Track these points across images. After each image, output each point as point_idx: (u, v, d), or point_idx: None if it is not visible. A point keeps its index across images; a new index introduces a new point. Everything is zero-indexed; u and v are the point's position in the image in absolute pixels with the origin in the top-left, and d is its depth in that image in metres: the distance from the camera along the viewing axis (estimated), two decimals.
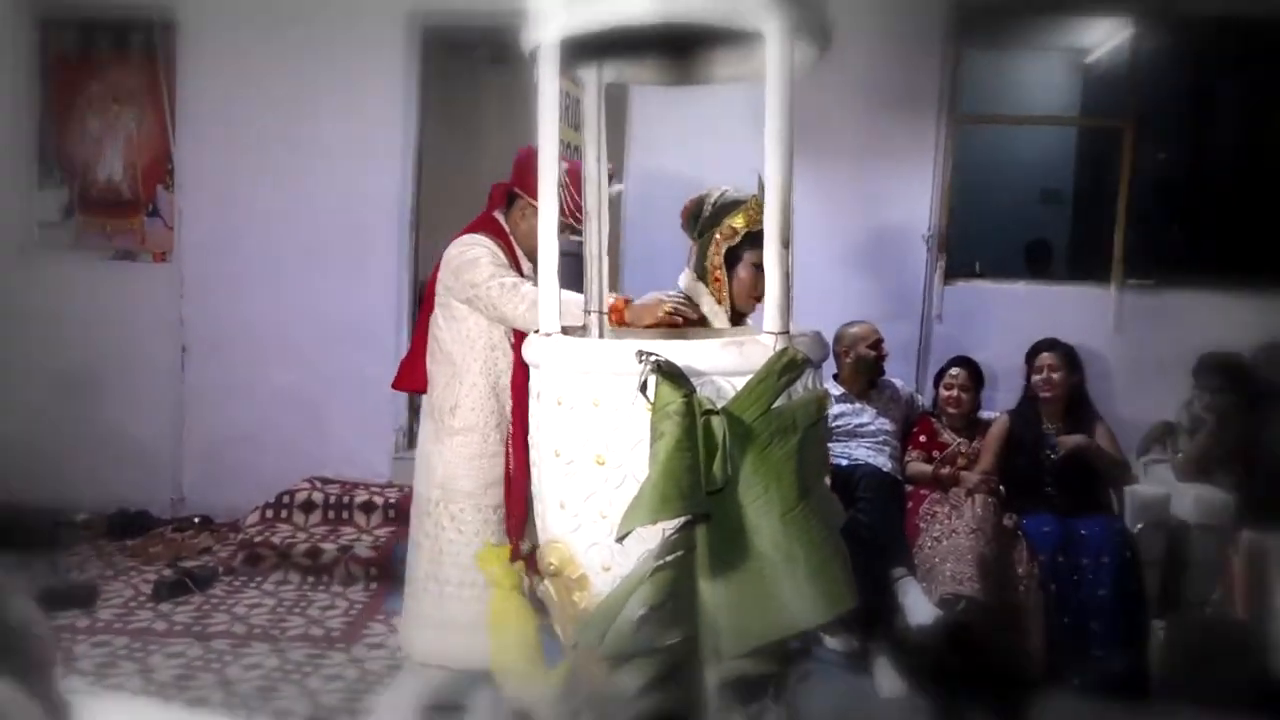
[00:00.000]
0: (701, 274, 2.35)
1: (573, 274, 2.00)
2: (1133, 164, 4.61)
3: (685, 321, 2.24)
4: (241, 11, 4.75)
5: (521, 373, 2.22)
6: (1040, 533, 3.58)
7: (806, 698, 1.45)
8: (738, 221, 2.27)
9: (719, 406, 1.39)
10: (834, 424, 3.84)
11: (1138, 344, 4.49)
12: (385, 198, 4.80)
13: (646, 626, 1.36)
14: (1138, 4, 4.63)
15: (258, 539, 4.37)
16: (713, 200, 2.35)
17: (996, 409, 4.09)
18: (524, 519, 2.19)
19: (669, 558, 1.38)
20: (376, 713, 2.77)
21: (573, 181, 2.47)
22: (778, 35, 1.40)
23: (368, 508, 4.58)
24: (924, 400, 4.24)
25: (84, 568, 4.32)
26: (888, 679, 3.34)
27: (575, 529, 1.49)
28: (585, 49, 1.63)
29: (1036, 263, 6.22)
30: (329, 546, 4.30)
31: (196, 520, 4.81)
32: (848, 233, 4.59)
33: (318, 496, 4.63)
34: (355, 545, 4.32)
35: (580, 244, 2.17)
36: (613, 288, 2.08)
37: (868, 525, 3.44)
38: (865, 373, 3.99)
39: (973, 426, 4.00)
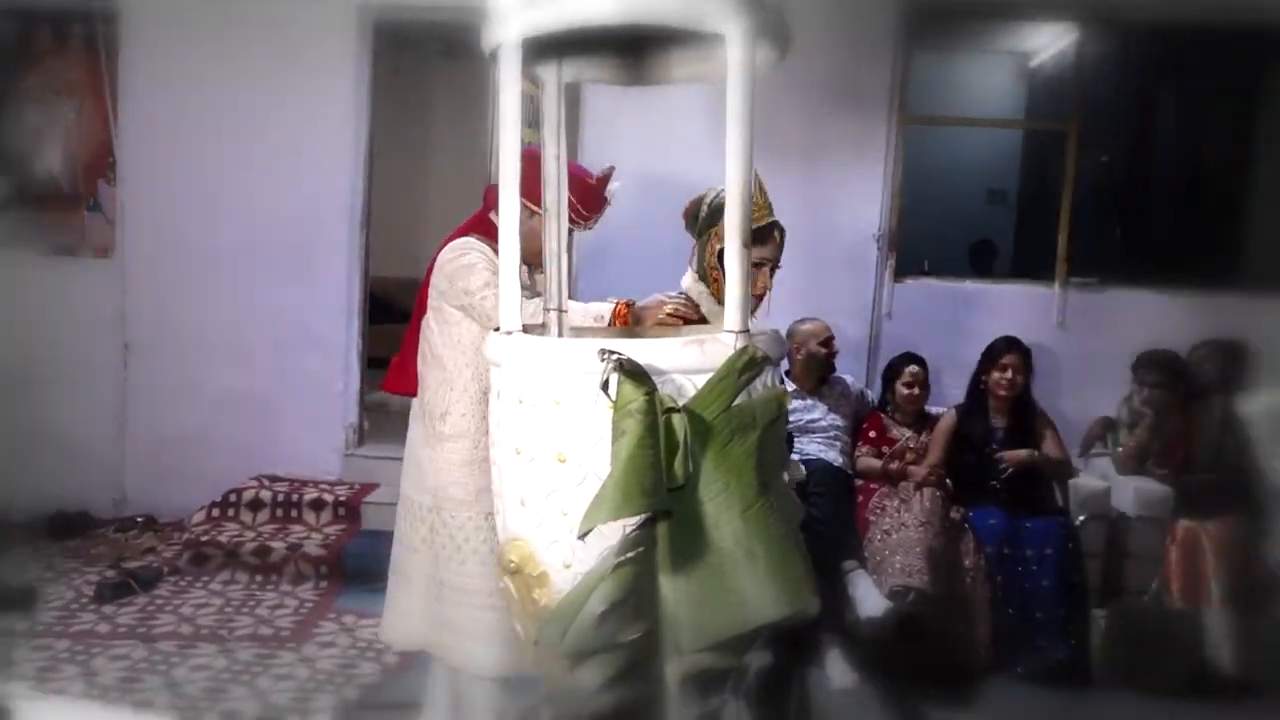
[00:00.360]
0: (702, 274, 2.34)
1: None
2: (1076, 166, 4.73)
3: (686, 322, 2.21)
4: (186, 2, 4.66)
5: None
6: (986, 525, 3.67)
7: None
8: None
9: (680, 404, 1.40)
10: None
11: (1081, 341, 4.61)
12: (335, 194, 4.73)
13: (608, 623, 1.36)
14: (1082, 9, 4.74)
15: (204, 538, 4.30)
16: (709, 200, 2.34)
17: (943, 405, 4.16)
18: None
19: (630, 554, 1.39)
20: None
21: (569, 182, 2.47)
22: (740, 38, 1.41)
23: (317, 505, 4.53)
24: (873, 396, 4.31)
25: (22, 570, 4.21)
26: (838, 670, 3.40)
27: (536, 526, 1.49)
28: (545, 48, 1.63)
29: (981, 262, 6.35)
30: (278, 545, 4.25)
31: (139, 520, 4.71)
32: (799, 231, 4.60)
33: (266, 495, 4.56)
34: (305, 543, 4.27)
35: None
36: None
37: (819, 519, 3.49)
38: (816, 369, 4.04)
39: (921, 421, 4.07)
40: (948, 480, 3.81)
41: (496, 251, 2.51)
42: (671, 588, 1.41)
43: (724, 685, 1.46)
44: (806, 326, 4.05)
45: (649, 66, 1.78)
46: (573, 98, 4.32)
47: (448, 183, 7.53)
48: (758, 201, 2.26)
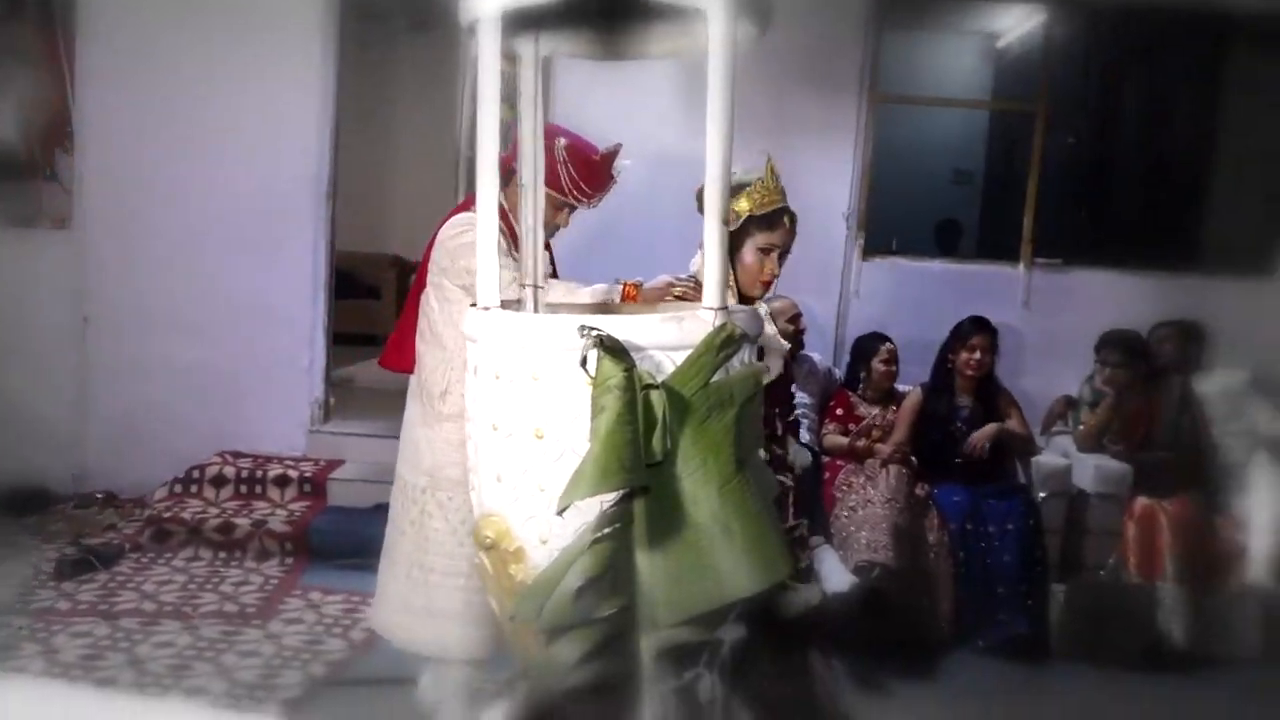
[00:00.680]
0: None
1: None
2: (1043, 147, 4.77)
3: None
4: None
5: None
6: (950, 502, 3.72)
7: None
8: (741, 205, 2.21)
9: (659, 381, 1.40)
10: None
11: (1044, 321, 4.67)
12: (300, 167, 4.66)
13: (585, 598, 1.37)
14: None
15: (166, 514, 4.24)
16: None
17: (907, 383, 4.20)
18: None
19: (607, 530, 1.39)
20: None
21: (572, 159, 2.43)
22: (721, 13, 1.40)
23: (282, 482, 4.48)
24: (840, 374, 4.34)
25: None
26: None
27: (513, 502, 1.49)
28: (523, 21, 1.61)
29: (946, 241, 6.41)
30: (242, 521, 4.21)
31: (99, 496, 4.64)
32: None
33: (229, 471, 4.51)
34: (269, 520, 4.23)
35: None
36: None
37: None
38: None
39: (888, 398, 4.11)
40: (913, 458, 3.86)
41: (501, 227, 2.50)
42: (648, 563, 1.42)
43: (699, 659, 1.47)
44: (775, 304, 4.06)
45: (627, 41, 1.77)
46: (543, 72, 4.28)
47: (415, 157, 7.46)
48: (768, 186, 2.23)
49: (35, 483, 4.64)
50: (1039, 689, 3.44)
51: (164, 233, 4.67)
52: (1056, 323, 4.63)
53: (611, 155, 2.49)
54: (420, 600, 2.45)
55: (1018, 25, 5.89)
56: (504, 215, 2.51)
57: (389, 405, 5.38)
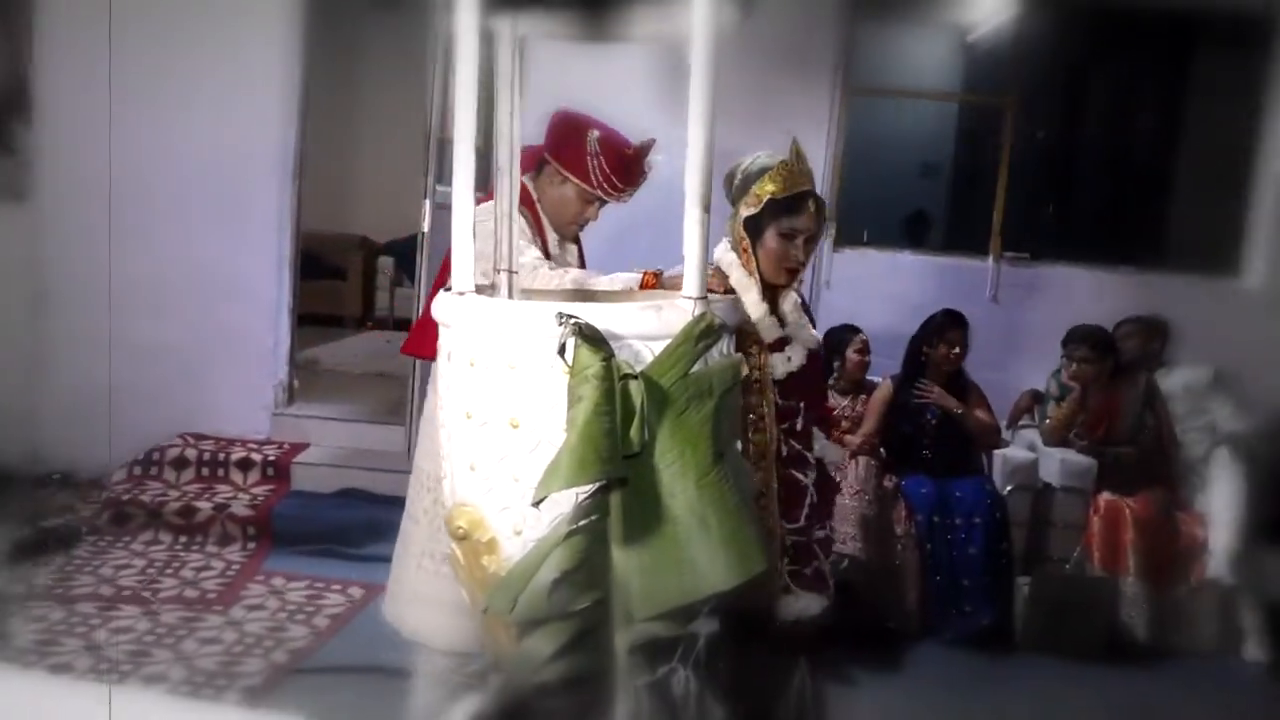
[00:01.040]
0: (736, 245, 2.25)
1: None
2: (1013, 141, 4.79)
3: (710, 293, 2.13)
4: None
5: None
6: (918, 494, 3.74)
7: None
8: (766, 188, 2.16)
9: (637, 371, 1.38)
10: None
11: (1012, 315, 4.70)
12: (266, 143, 4.57)
13: (560, 591, 1.34)
14: None
15: (125, 497, 4.16)
16: (744, 167, 2.25)
17: (875, 374, 4.21)
18: None
19: (583, 522, 1.37)
20: None
21: (605, 152, 2.40)
22: None
23: (244, 465, 4.41)
24: None
25: None
26: None
27: (487, 492, 1.46)
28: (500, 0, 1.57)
29: (915, 233, 6.44)
30: (203, 505, 4.13)
31: (56, 477, 4.54)
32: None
33: (191, 453, 4.43)
34: (232, 504, 4.16)
35: None
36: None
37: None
38: None
39: (858, 389, 4.12)
40: (881, 450, 3.87)
41: (527, 217, 2.46)
42: (624, 556, 1.40)
43: (673, 654, 1.46)
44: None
45: (607, 22, 1.74)
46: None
47: (383, 138, 7.36)
48: (793, 168, 2.18)
49: None
50: (1003, 680, 3.47)
51: (124, 208, 4.55)
52: (1024, 317, 4.66)
53: (645, 149, 2.45)
54: (430, 590, 2.42)
55: (988, 20, 5.90)
56: (530, 202, 2.49)
57: (354, 389, 5.37)
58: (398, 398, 4.62)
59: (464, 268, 1.53)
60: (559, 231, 2.59)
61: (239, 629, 3.31)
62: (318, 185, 5.12)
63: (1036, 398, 4.35)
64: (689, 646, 1.47)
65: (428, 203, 4.10)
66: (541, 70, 4.33)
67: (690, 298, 1.45)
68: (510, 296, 1.76)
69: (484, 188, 1.83)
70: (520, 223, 2.35)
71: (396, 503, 4.13)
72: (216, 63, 4.52)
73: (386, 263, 7.47)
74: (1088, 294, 4.53)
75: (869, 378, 4.17)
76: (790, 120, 4.60)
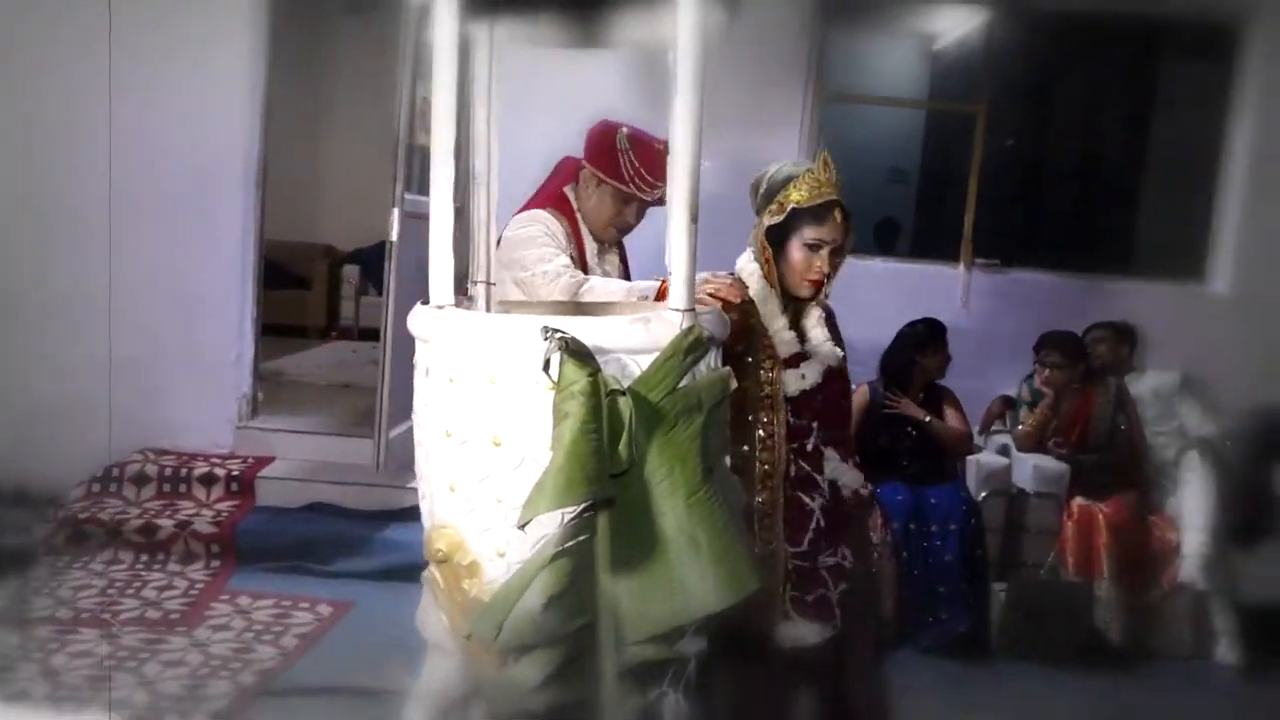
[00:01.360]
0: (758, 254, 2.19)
1: None
2: (983, 148, 4.81)
3: (726, 304, 2.03)
4: None
5: None
6: (894, 501, 3.72)
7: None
8: (791, 196, 2.10)
9: (624, 386, 1.34)
10: None
11: (983, 321, 4.71)
12: (230, 151, 4.46)
13: (548, 616, 1.30)
14: None
15: (83, 515, 4.04)
16: (769, 175, 2.19)
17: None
18: None
19: (570, 544, 1.32)
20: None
21: (634, 147, 2.43)
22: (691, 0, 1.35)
23: (208, 480, 4.30)
24: None
25: None
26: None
27: (468, 513, 1.41)
28: (478, 5, 1.53)
29: (885, 240, 6.45)
30: (165, 522, 4.02)
31: (9, 494, 4.40)
32: (714, 205, 4.59)
33: (151, 469, 4.31)
34: (195, 520, 4.05)
35: None
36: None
37: None
38: None
39: None
40: (858, 456, 3.84)
41: (564, 225, 2.46)
42: (612, 578, 1.35)
43: (663, 677, 1.41)
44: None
45: (589, 29, 1.70)
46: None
47: (350, 145, 7.26)
48: (819, 178, 2.13)
49: None
50: (979, 686, 3.47)
51: (78, 214, 4.43)
52: (995, 323, 4.67)
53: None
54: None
55: (955, 28, 5.94)
56: (570, 212, 2.50)
57: (320, 400, 5.28)
58: (365, 409, 4.53)
59: (442, 280, 1.48)
60: (599, 238, 2.62)
61: (204, 650, 3.22)
62: (282, 192, 5.04)
63: (1008, 403, 4.36)
64: (679, 669, 1.43)
65: (396, 211, 4.03)
66: (514, 78, 4.30)
67: (678, 310, 1.41)
68: (488, 309, 1.71)
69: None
70: (554, 229, 2.34)
71: (365, 517, 4.13)
72: (178, 68, 4.41)
73: (352, 271, 7.38)
74: (1057, 300, 4.55)
75: None
76: (762, 126, 4.61)
